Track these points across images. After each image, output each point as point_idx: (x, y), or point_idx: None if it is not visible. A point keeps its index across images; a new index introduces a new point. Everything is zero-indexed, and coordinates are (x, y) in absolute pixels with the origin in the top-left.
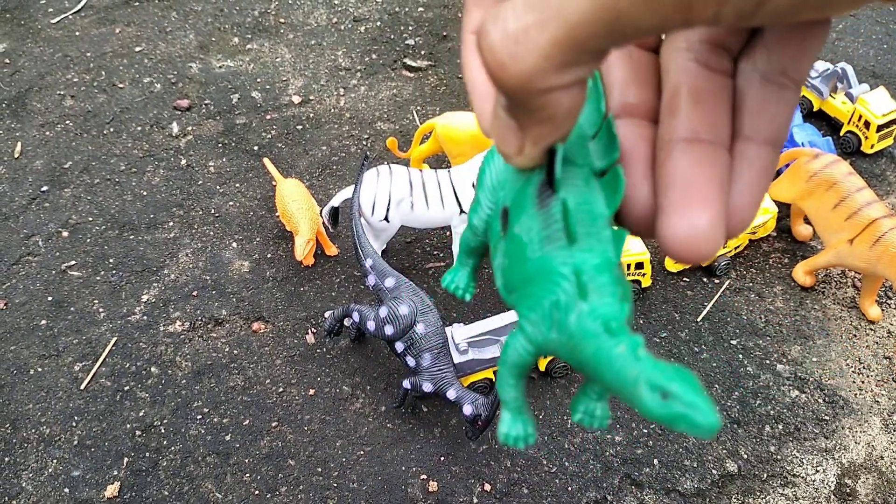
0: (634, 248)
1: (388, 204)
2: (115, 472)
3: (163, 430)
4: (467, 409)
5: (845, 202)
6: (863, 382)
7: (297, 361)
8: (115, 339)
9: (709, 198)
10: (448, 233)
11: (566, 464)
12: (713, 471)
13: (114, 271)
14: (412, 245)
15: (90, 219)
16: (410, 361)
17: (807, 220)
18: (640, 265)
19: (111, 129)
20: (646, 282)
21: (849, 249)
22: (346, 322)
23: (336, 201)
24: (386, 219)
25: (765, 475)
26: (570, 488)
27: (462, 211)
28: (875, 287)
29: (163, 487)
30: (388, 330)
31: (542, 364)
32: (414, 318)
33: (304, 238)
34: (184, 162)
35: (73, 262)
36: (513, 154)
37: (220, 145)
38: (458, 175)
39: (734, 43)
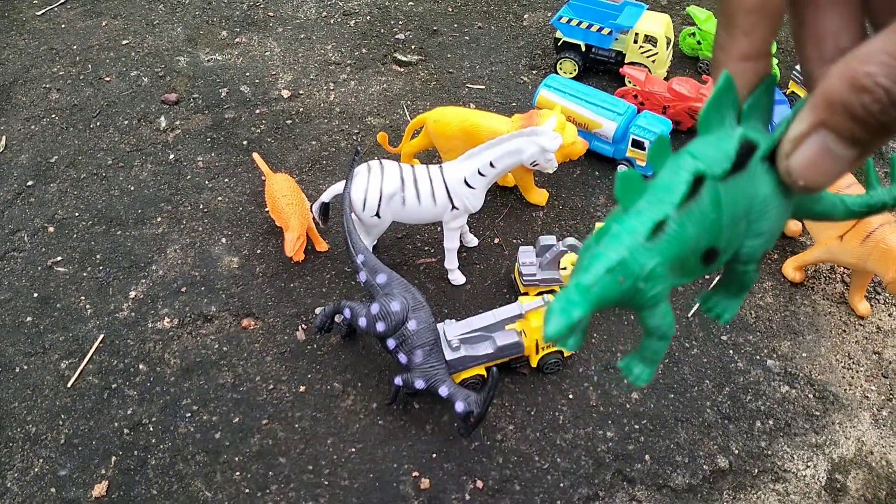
0: None
1: (380, 199)
2: (103, 471)
3: (151, 429)
4: (459, 406)
5: None
6: (852, 377)
7: (287, 358)
8: (102, 336)
9: None
10: (439, 228)
11: (558, 460)
12: (704, 466)
13: (101, 267)
14: (403, 240)
15: (77, 214)
16: (402, 358)
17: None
18: None
19: (98, 123)
20: None
21: (839, 245)
22: (337, 318)
23: (326, 197)
24: (377, 214)
25: (756, 471)
26: (562, 485)
27: (454, 207)
28: (864, 283)
29: (151, 486)
30: (380, 326)
31: (534, 360)
32: (406, 314)
33: (293, 234)
34: (172, 156)
35: (59, 258)
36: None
37: (208, 140)
38: (449, 170)
39: None
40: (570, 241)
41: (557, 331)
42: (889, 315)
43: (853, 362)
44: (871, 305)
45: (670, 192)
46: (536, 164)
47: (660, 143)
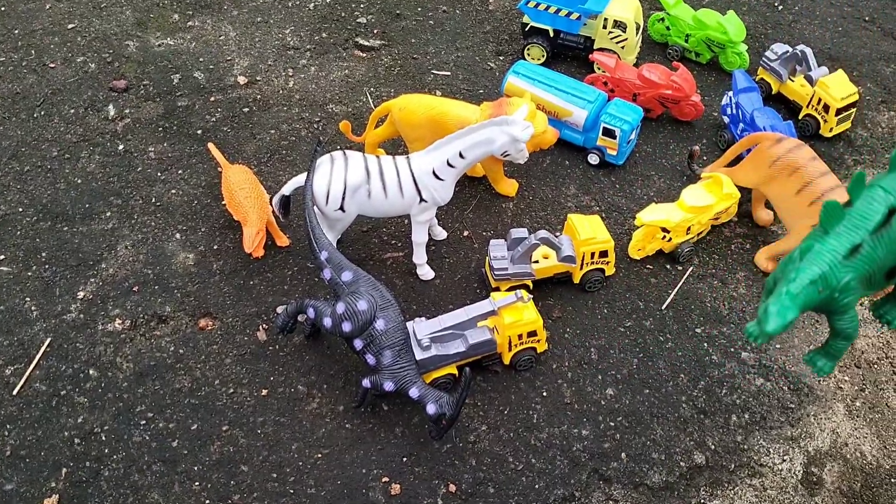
0: (598, 236)
1: (344, 192)
2: (53, 484)
3: (104, 438)
4: (431, 409)
5: (808, 187)
6: None
7: (248, 360)
8: (49, 339)
9: None
10: (406, 221)
11: (533, 460)
12: (681, 463)
13: (47, 266)
14: (369, 234)
15: (20, 209)
16: (370, 359)
17: (768, 205)
18: (603, 253)
19: (42, 113)
20: (609, 270)
21: None
22: (301, 318)
23: (287, 189)
24: (341, 208)
25: (732, 466)
26: (537, 486)
27: (422, 199)
28: None
29: (105, 499)
30: (346, 327)
31: (507, 357)
32: (373, 313)
33: (253, 229)
34: (121, 147)
35: (1, 257)
36: None
37: (160, 129)
38: (417, 161)
39: None
40: (543, 233)
41: (776, 330)
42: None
43: None
44: None
45: (867, 220)
46: (507, 155)
47: (857, 178)
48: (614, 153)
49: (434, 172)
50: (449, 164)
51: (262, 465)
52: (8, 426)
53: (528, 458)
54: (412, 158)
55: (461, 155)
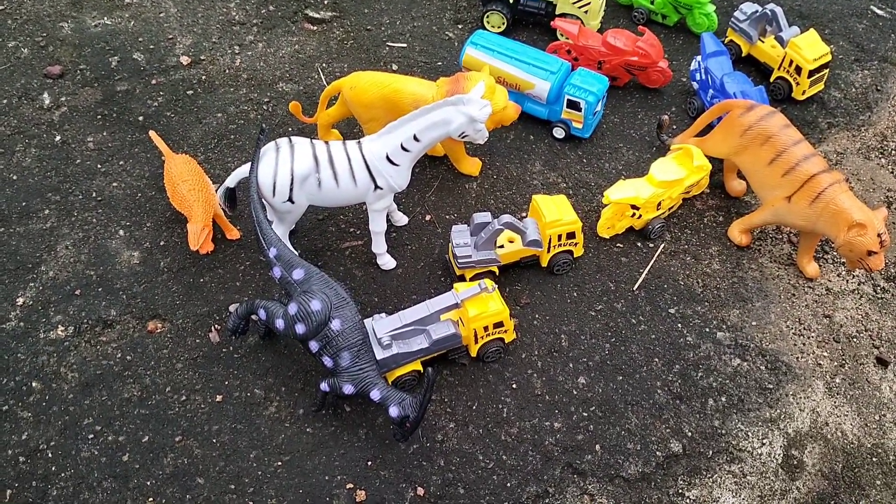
0: (565, 218)
1: (292, 183)
2: None
3: (50, 455)
4: (394, 411)
5: (782, 157)
6: (804, 344)
7: (200, 364)
8: None
9: None
10: (365, 207)
11: (503, 457)
12: (657, 452)
13: None
14: (325, 222)
15: None
16: (328, 362)
17: (741, 175)
18: (571, 235)
19: None
20: (578, 251)
21: (787, 207)
22: (254, 318)
23: (231, 181)
24: (290, 199)
25: (710, 452)
26: (508, 484)
27: (377, 186)
28: (812, 244)
29: None
30: (300, 329)
31: (474, 350)
32: (328, 313)
33: (198, 224)
34: (58, 138)
35: None
36: None
37: (99, 117)
38: (369, 146)
39: None
40: (507, 218)
41: None
42: (838, 275)
43: (804, 328)
44: (820, 266)
45: None
46: (465, 136)
47: None
48: (580, 126)
49: (388, 157)
50: (403, 149)
51: (220, 476)
52: None
53: (499, 454)
54: (364, 143)
55: (416, 138)
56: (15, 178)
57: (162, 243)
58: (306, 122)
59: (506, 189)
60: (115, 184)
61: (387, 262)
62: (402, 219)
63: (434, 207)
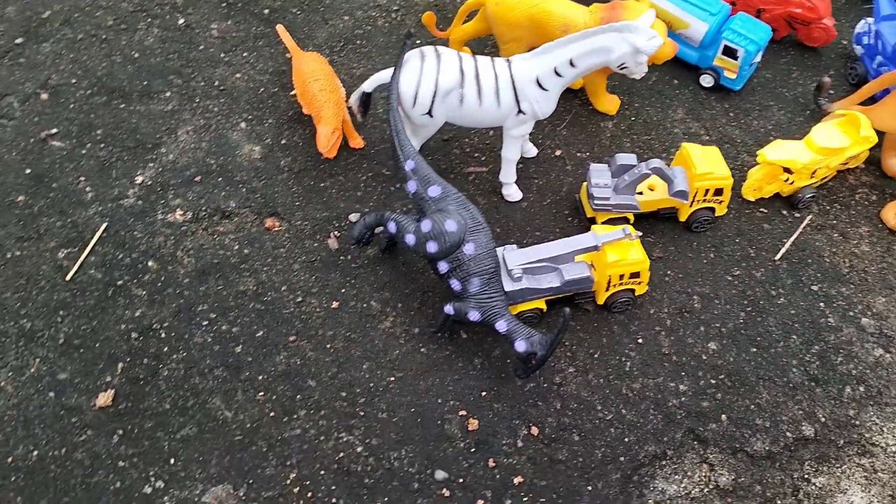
0: (717, 171)
1: (434, 95)
2: (109, 379)
3: (163, 335)
4: (521, 346)
5: None
6: None
7: (317, 268)
8: (105, 224)
9: None
10: (492, 133)
11: (623, 411)
12: (787, 433)
13: (102, 145)
14: (450, 144)
15: (73, 81)
16: (455, 285)
17: None
18: (718, 191)
19: None
20: (720, 210)
21: None
22: (378, 230)
23: (369, 85)
24: (429, 113)
25: (841, 441)
26: (626, 439)
27: (520, 110)
28: None
29: (164, 400)
30: (431, 247)
31: (601, 297)
32: (463, 236)
33: (328, 127)
34: (182, 21)
35: (54, 131)
36: None
37: (224, 4)
38: (519, 65)
39: None
40: (656, 162)
41: None
42: None
43: None
44: None
45: None
46: (624, 67)
47: None
48: (733, 76)
49: (538, 80)
50: (556, 73)
51: (331, 382)
52: (61, 312)
53: (619, 408)
54: (514, 62)
55: (572, 63)
56: (137, 55)
57: (283, 141)
58: (439, 35)
59: (643, 133)
60: (237, 75)
61: (513, 193)
62: (531, 150)
63: (565, 143)
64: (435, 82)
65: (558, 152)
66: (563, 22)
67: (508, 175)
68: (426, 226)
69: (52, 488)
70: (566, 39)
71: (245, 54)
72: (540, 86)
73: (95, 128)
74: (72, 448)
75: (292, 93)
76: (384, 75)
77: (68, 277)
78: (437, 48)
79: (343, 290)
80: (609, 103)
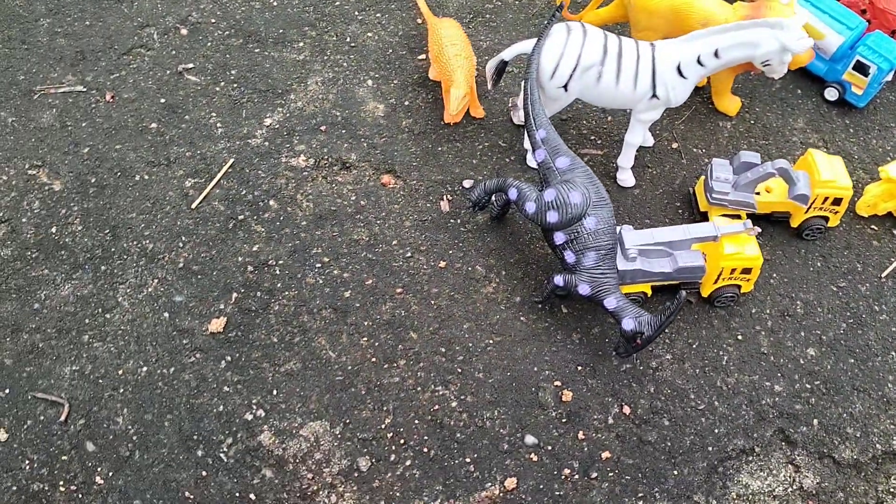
0: (840, 181)
1: (574, 70)
2: (222, 307)
3: (277, 272)
4: (628, 324)
5: None
6: None
7: (427, 227)
8: (232, 160)
9: None
10: (610, 117)
11: (716, 403)
12: (877, 445)
13: (235, 84)
14: (567, 123)
15: (213, 20)
16: (569, 257)
17: None
18: (837, 201)
19: None
20: (834, 221)
21: None
22: (493, 198)
23: (508, 54)
24: (565, 87)
25: None
26: (716, 430)
27: (654, 95)
28: None
29: (272, 333)
30: (552, 216)
31: (707, 290)
32: (585, 209)
33: (460, 91)
34: None
35: (190, 65)
36: None
37: None
38: (664, 49)
39: None
40: (782, 163)
41: None
42: None
43: None
44: None
45: None
46: (767, 64)
47: None
48: (859, 93)
49: (678, 67)
50: (699, 62)
51: (432, 336)
52: (183, 238)
53: (712, 399)
54: (658, 46)
55: (717, 54)
56: (275, 3)
57: (406, 103)
58: (571, 19)
59: (761, 138)
60: (369, 34)
61: (627, 178)
62: (649, 139)
63: (682, 137)
64: (577, 56)
65: (675, 145)
66: (704, 16)
67: (627, 159)
68: (550, 195)
69: (157, 404)
70: (716, 29)
71: (378, 15)
72: (680, 73)
73: (230, 68)
74: (180, 368)
75: (420, 56)
76: (525, 46)
77: (193, 206)
78: (584, 24)
79: (451, 252)
80: (731, 104)
